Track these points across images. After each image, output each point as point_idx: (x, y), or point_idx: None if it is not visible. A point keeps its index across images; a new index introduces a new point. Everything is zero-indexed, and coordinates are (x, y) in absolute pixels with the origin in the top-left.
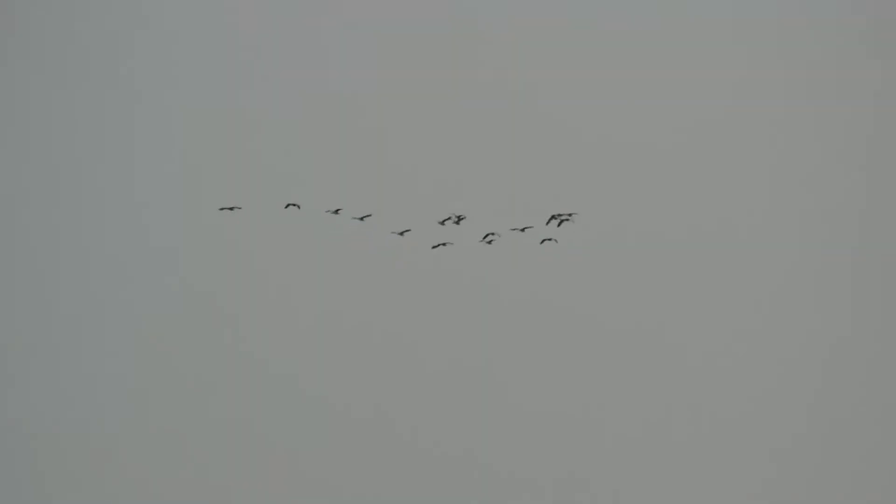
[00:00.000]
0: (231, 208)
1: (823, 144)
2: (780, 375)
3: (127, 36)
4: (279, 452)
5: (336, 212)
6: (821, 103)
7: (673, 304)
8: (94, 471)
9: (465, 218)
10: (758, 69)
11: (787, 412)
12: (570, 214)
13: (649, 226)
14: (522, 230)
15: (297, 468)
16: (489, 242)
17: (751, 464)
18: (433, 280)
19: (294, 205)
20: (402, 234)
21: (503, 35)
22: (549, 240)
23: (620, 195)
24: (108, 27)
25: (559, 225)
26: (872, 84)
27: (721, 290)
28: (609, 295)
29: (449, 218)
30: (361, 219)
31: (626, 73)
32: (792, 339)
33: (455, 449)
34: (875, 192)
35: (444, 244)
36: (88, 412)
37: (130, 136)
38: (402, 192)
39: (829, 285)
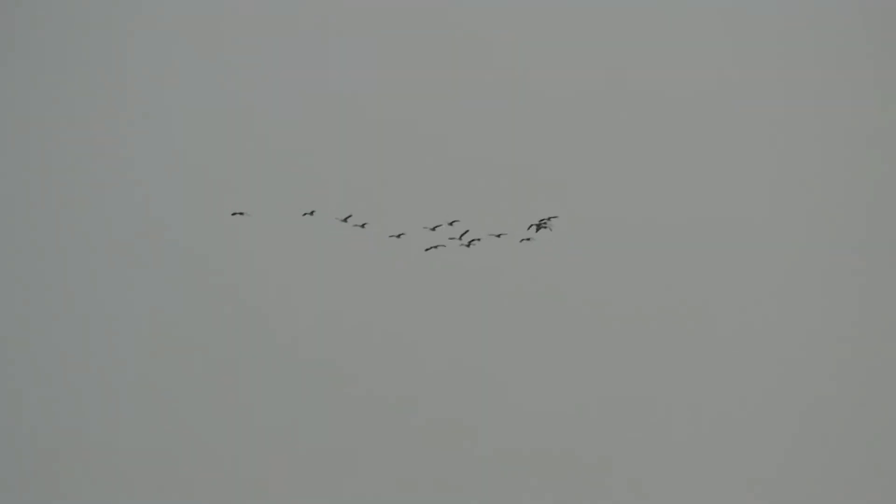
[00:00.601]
0: (233, 214)
1: (824, 144)
2: (783, 375)
3: (127, 36)
4: (280, 452)
5: (346, 219)
6: (821, 103)
7: (675, 304)
8: (94, 471)
9: (467, 232)
10: (758, 69)
11: (789, 412)
12: (549, 219)
13: (650, 225)
14: (498, 236)
15: (298, 468)
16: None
17: (751, 464)
18: (433, 280)
19: (309, 213)
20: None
21: (503, 35)
22: (528, 239)
23: (621, 195)
24: (108, 27)
25: (537, 229)
26: (872, 84)
27: (723, 289)
28: (611, 295)
29: (449, 224)
30: (362, 226)
31: (626, 73)
32: (795, 339)
33: (455, 449)
34: (876, 193)
35: (436, 246)
36: (88, 412)
37: (130, 137)
38: (402, 192)
39: (832, 285)
